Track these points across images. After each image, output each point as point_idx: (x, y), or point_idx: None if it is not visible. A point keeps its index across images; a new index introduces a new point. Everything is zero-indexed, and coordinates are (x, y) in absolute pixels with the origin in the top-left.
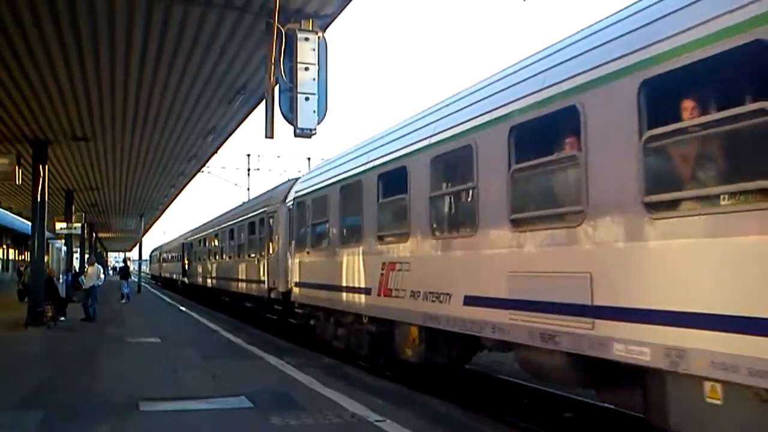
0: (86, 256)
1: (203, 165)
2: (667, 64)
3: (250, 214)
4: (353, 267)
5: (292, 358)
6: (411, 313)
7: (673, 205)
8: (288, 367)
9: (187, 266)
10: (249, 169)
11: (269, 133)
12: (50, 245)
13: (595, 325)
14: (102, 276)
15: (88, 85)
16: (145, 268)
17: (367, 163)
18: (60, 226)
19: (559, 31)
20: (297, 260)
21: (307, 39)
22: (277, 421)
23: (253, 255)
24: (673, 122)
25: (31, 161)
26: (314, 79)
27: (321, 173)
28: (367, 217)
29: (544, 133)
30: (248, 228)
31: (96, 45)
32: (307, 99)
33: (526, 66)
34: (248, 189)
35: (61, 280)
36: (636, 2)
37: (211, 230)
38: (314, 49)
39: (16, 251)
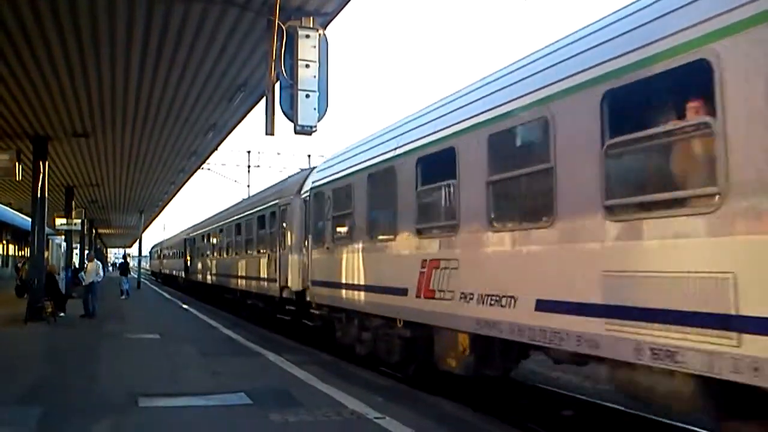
0: (86, 252)
1: (203, 162)
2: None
3: (260, 207)
4: (384, 264)
5: (292, 355)
6: (460, 318)
7: None
8: (287, 364)
9: (189, 263)
10: (249, 166)
11: (269, 130)
12: (50, 241)
13: (742, 341)
14: (101, 272)
15: (88, 82)
16: (145, 264)
17: (402, 146)
18: (60, 222)
19: (557, 31)
20: (314, 257)
21: (307, 36)
22: (276, 418)
23: (262, 251)
24: None
25: (31, 157)
26: (315, 77)
27: (343, 160)
28: (403, 207)
29: (646, 96)
30: (257, 222)
31: (97, 41)
32: (307, 96)
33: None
34: (248, 186)
35: (61, 276)
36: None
37: (216, 225)
38: (315, 47)
39: (16, 247)
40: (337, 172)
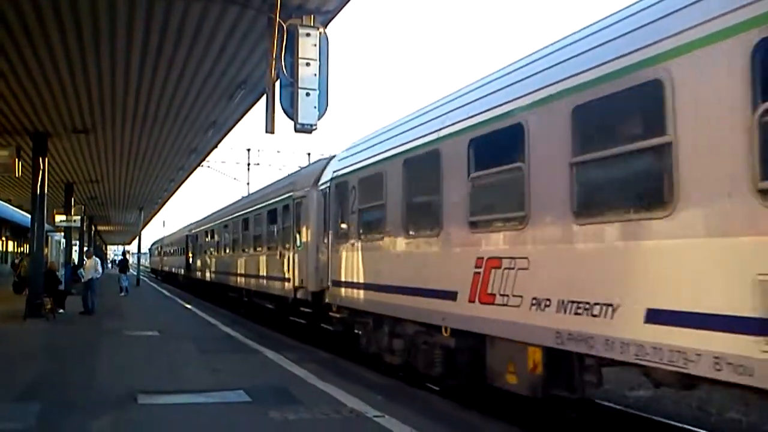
0: (85, 249)
1: (203, 159)
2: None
3: (270, 201)
4: (425, 264)
5: (291, 352)
6: (530, 328)
7: None
8: (286, 362)
9: (191, 260)
10: (249, 164)
11: (270, 128)
12: (50, 238)
13: None
14: (99, 269)
15: (88, 78)
16: (144, 261)
17: (448, 126)
18: (59, 218)
19: (560, 30)
20: (336, 254)
21: (308, 34)
22: (275, 416)
23: (274, 248)
24: None
25: (31, 153)
26: (315, 75)
27: (371, 146)
28: (450, 197)
29: None
30: (267, 217)
31: (97, 38)
32: (307, 94)
33: None
34: (248, 183)
35: (60, 273)
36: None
37: (220, 221)
38: (315, 45)
39: (15, 244)
40: (365, 159)
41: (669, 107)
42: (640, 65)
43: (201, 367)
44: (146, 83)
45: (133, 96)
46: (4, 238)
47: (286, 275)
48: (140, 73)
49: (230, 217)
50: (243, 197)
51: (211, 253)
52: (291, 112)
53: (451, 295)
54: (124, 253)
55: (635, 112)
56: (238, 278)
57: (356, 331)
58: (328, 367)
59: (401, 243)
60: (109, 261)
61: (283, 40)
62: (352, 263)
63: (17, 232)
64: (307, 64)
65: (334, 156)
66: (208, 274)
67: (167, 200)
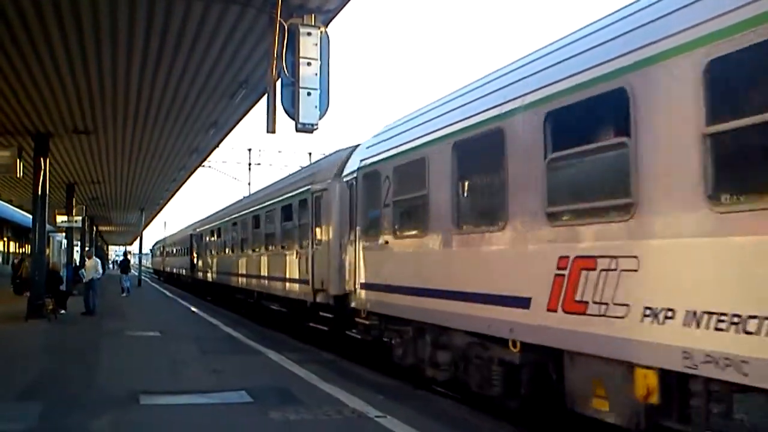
0: (86, 249)
1: (204, 159)
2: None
3: (285, 196)
4: (484, 264)
5: (292, 353)
6: (644, 345)
7: None
8: (288, 362)
9: (195, 260)
10: (250, 164)
11: (271, 128)
12: (51, 238)
13: None
14: (100, 269)
15: (90, 79)
16: (146, 261)
17: (516, 98)
18: (61, 219)
19: (560, 29)
20: (365, 253)
21: (309, 34)
22: (276, 416)
23: (289, 247)
24: None
25: (32, 154)
26: (316, 74)
27: (408, 129)
28: (519, 183)
29: None
30: (281, 213)
31: (98, 38)
32: (309, 94)
33: None
34: (249, 183)
35: (61, 273)
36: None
37: (228, 218)
38: (316, 44)
39: (17, 244)
40: (401, 145)
41: None
42: None
43: (203, 368)
44: (147, 83)
45: (135, 96)
46: (5, 239)
47: (304, 277)
48: (141, 73)
49: (239, 214)
50: (253, 193)
51: (218, 253)
52: (292, 112)
53: (522, 302)
54: (125, 254)
55: None
56: (249, 279)
57: (385, 339)
58: (330, 368)
59: (450, 240)
60: (110, 261)
61: (284, 40)
62: (385, 263)
63: (18, 232)
64: (309, 64)
65: (357, 145)
66: (215, 275)
67: (168, 200)
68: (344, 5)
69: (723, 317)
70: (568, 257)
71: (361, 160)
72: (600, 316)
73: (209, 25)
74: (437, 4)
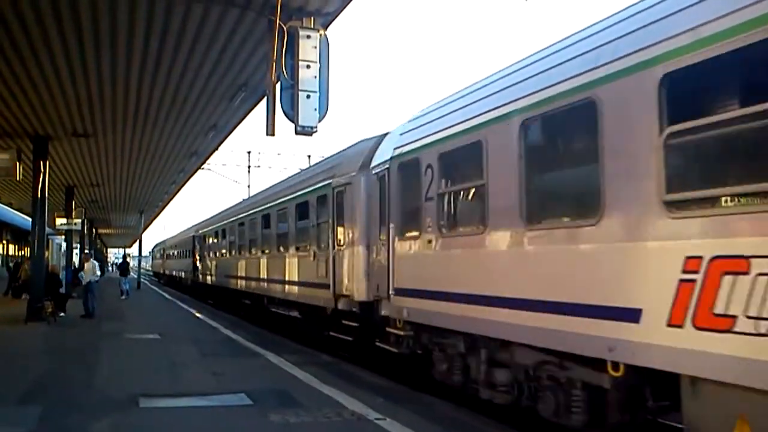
0: (85, 251)
1: (204, 162)
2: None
3: (300, 193)
4: (569, 266)
5: (292, 355)
6: None
7: None
8: (287, 365)
9: (198, 263)
10: (249, 167)
11: (270, 131)
12: (50, 241)
13: None
14: (98, 271)
15: (89, 82)
16: (145, 264)
17: (615, 61)
18: (60, 221)
19: (560, 28)
20: (402, 254)
21: (308, 37)
22: (276, 419)
23: (305, 248)
24: None
25: (31, 157)
26: (315, 77)
27: (456, 109)
28: (620, 166)
29: None
30: (296, 211)
31: (97, 41)
32: (308, 97)
33: None
34: (248, 186)
35: (61, 276)
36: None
37: (235, 218)
38: (316, 47)
39: (16, 247)
40: (449, 127)
41: None
42: None
43: (202, 371)
44: (147, 86)
45: (134, 99)
46: (4, 242)
47: (324, 281)
48: (141, 76)
49: (247, 213)
50: (261, 191)
51: (223, 255)
52: (291, 115)
53: (628, 315)
54: (124, 256)
55: None
56: (258, 283)
57: (419, 352)
58: (330, 371)
59: (518, 238)
60: (109, 264)
61: (283, 43)
62: (429, 266)
63: (18, 235)
64: (308, 67)
65: (386, 133)
66: (219, 279)
67: (168, 203)
68: (343, 8)
69: None
70: (700, 258)
71: (395, 149)
72: (750, 335)
73: (208, 28)
74: (437, 6)
